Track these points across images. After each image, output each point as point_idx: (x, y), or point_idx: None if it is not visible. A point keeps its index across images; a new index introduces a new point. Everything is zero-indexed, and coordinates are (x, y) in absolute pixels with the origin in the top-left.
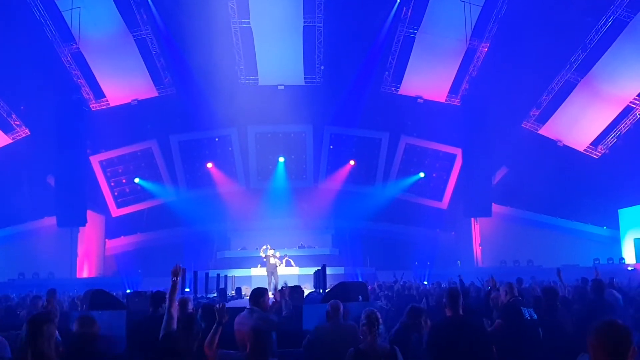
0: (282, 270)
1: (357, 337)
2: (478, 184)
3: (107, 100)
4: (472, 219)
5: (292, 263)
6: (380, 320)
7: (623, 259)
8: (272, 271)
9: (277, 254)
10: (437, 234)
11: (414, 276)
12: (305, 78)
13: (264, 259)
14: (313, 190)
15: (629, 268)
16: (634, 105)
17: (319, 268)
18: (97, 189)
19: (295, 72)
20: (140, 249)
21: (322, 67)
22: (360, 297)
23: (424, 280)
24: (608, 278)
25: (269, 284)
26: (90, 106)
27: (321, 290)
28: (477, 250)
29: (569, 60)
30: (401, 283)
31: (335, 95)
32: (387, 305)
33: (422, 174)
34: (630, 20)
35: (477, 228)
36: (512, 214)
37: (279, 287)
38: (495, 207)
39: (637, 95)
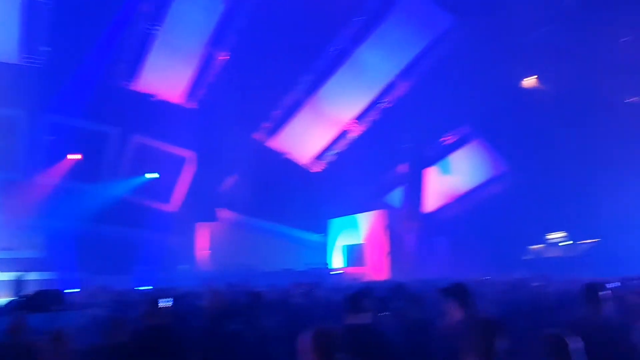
0: None
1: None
2: (208, 189)
3: None
4: (201, 223)
5: None
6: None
7: (329, 264)
8: None
9: None
10: (165, 237)
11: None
12: (22, 57)
13: None
14: (24, 184)
15: (337, 272)
16: (350, 128)
17: (22, 273)
18: None
19: (9, 47)
20: None
21: (48, 49)
22: (56, 306)
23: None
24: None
25: None
26: None
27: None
28: (204, 254)
29: (300, 81)
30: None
31: (60, 82)
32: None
33: (152, 175)
34: (355, 51)
35: (206, 232)
36: (238, 219)
37: None
38: (223, 213)
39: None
